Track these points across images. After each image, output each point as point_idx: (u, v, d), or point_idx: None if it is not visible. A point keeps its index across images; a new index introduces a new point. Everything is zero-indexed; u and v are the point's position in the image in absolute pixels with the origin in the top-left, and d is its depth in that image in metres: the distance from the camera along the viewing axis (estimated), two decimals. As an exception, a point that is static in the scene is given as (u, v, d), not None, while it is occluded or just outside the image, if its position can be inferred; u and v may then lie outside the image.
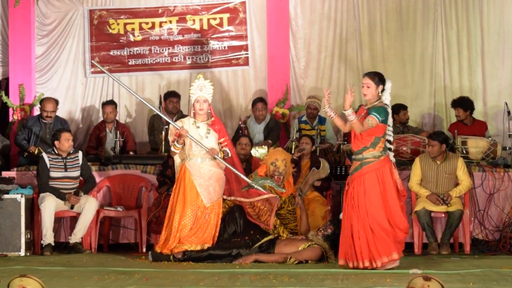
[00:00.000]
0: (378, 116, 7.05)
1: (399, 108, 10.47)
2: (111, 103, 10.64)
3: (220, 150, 7.94)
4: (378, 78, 7.22)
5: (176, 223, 7.77)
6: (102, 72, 11.11)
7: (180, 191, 7.86)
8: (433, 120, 11.14)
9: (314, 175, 8.64)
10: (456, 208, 8.76)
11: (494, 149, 9.62)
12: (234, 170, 7.95)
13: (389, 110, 7.23)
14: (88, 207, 8.93)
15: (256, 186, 7.91)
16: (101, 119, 10.80)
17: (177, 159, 8.10)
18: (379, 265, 6.87)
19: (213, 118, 8.07)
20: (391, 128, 7.25)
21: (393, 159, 7.33)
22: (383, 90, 7.24)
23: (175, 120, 8.74)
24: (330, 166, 9.05)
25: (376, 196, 7.05)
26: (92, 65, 11.31)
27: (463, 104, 10.28)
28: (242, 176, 7.98)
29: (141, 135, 11.12)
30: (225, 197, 8.03)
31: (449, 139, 9.40)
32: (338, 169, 8.96)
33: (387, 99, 7.28)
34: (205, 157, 7.90)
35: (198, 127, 7.94)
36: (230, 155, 8.00)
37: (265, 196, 7.91)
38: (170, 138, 7.99)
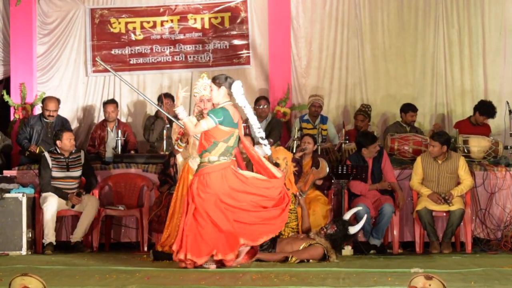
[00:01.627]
0: (214, 117, 6.97)
1: (407, 109, 10.44)
2: (113, 102, 10.63)
3: (223, 149, 7.91)
4: (219, 81, 7.20)
5: (181, 222, 7.74)
6: (103, 71, 11.18)
7: (183, 190, 7.83)
8: (434, 119, 11.13)
9: (314, 174, 8.64)
10: (458, 207, 8.76)
11: (496, 148, 9.62)
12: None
13: (233, 112, 7.23)
14: (90, 206, 8.94)
15: (259, 185, 7.88)
16: (102, 118, 10.81)
17: (179, 158, 8.08)
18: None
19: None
20: (256, 128, 7.24)
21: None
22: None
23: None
24: (331, 165, 9.05)
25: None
26: (94, 64, 11.33)
27: (491, 112, 10.23)
28: (246, 175, 7.95)
29: (142, 134, 11.12)
30: (226, 196, 8.01)
31: (451, 139, 9.37)
32: (340, 168, 8.95)
33: (240, 100, 7.32)
34: (209, 156, 7.87)
35: (202, 126, 7.91)
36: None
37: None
38: (174, 137, 7.96)
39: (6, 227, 8.80)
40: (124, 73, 11.13)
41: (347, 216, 8.02)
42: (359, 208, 8.44)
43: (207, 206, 6.92)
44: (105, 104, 10.59)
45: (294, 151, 9.29)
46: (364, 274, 6.42)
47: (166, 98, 10.40)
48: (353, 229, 7.87)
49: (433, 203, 8.84)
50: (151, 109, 11.12)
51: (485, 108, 10.22)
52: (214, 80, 7.21)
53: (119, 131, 10.24)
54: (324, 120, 10.59)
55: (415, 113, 10.48)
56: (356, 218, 8.52)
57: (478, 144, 9.62)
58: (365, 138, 9.19)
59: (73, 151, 9.17)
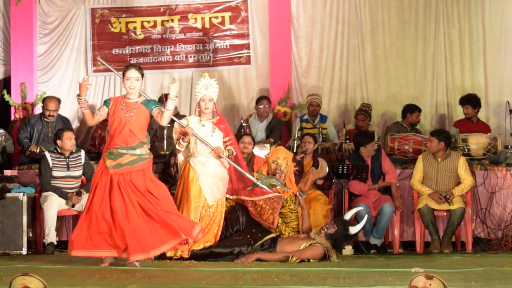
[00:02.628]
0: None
1: (413, 110, 10.43)
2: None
3: (225, 148, 7.92)
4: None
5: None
6: (104, 70, 11.19)
7: (184, 189, 7.83)
8: (434, 119, 11.14)
9: (314, 174, 8.64)
10: (458, 206, 8.76)
11: (495, 143, 9.63)
12: (239, 168, 7.92)
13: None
14: (90, 206, 8.91)
15: (261, 185, 7.89)
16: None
17: (180, 157, 8.07)
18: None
19: (218, 117, 8.05)
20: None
21: None
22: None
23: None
24: (331, 164, 9.05)
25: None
26: (94, 64, 11.34)
27: (472, 101, 10.28)
28: (248, 175, 7.95)
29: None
30: (227, 196, 8.01)
31: (451, 137, 9.35)
32: (340, 168, 8.95)
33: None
34: (210, 156, 7.88)
35: (203, 125, 7.91)
36: (235, 153, 7.99)
37: (270, 195, 7.89)
38: (175, 136, 7.96)
39: (7, 226, 8.80)
40: (125, 72, 11.12)
41: (347, 216, 8.02)
42: (360, 208, 8.45)
43: None
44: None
45: (294, 150, 9.30)
46: (364, 274, 6.42)
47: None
48: (353, 229, 7.87)
49: (434, 202, 8.84)
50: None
51: (464, 99, 10.25)
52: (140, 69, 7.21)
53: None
54: (323, 119, 10.60)
55: (420, 113, 10.50)
56: (356, 218, 8.53)
57: (476, 141, 9.63)
58: (363, 137, 9.20)
59: (74, 151, 9.17)
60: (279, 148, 8.42)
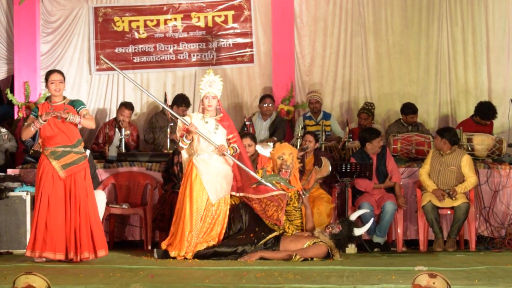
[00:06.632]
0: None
1: (407, 111, 10.37)
2: (131, 107, 10.52)
3: (229, 146, 7.91)
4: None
5: (188, 225, 7.69)
6: (107, 69, 11.19)
7: (187, 187, 7.81)
8: (438, 117, 11.12)
9: (317, 173, 8.63)
10: (462, 201, 8.74)
11: (500, 146, 9.61)
12: (243, 166, 7.91)
13: None
14: (98, 202, 8.85)
15: (265, 183, 7.89)
16: (106, 115, 10.82)
17: (184, 154, 8.05)
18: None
19: (221, 114, 8.03)
20: None
21: None
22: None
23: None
24: (335, 163, 9.04)
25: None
26: (97, 63, 11.33)
27: (495, 115, 10.18)
28: (252, 173, 7.94)
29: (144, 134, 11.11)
30: (232, 193, 7.99)
31: (456, 136, 9.31)
32: (343, 166, 8.94)
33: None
34: (213, 153, 7.87)
35: (207, 122, 7.90)
36: (238, 151, 7.98)
37: (274, 193, 7.89)
38: (178, 134, 7.95)
39: (10, 225, 8.80)
40: (128, 71, 11.12)
41: (353, 217, 8.02)
42: (366, 210, 8.44)
43: None
44: (123, 106, 10.45)
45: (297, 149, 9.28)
46: (368, 272, 6.42)
47: (180, 105, 10.32)
48: (358, 231, 7.88)
49: (437, 200, 8.83)
50: (156, 108, 11.15)
51: (486, 113, 10.10)
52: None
53: (128, 131, 10.19)
54: (327, 116, 10.60)
55: (415, 114, 10.43)
56: (360, 218, 8.53)
57: (481, 142, 9.61)
58: (369, 133, 9.21)
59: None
60: (284, 144, 8.41)
